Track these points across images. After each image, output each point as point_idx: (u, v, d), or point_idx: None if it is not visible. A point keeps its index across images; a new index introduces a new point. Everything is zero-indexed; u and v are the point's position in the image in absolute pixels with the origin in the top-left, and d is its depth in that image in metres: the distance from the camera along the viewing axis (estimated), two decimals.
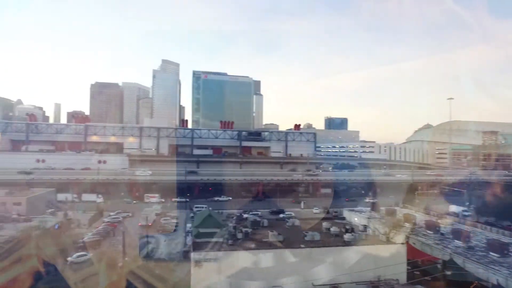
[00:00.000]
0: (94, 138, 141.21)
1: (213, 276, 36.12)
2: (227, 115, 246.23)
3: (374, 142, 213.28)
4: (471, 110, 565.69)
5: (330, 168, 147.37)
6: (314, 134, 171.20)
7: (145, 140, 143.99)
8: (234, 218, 61.21)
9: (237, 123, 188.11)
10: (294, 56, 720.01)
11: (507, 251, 43.34)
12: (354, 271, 37.78)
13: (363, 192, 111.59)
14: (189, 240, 49.05)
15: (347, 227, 50.59)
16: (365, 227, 49.36)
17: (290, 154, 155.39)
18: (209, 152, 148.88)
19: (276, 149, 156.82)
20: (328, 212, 77.45)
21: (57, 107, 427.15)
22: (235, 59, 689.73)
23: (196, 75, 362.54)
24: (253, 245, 40.79)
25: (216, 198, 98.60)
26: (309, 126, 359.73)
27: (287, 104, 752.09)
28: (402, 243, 42.30)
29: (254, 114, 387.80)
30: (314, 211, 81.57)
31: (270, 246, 41.22)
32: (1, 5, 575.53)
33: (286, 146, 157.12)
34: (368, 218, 57.47)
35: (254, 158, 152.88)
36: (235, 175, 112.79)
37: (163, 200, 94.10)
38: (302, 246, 41.22)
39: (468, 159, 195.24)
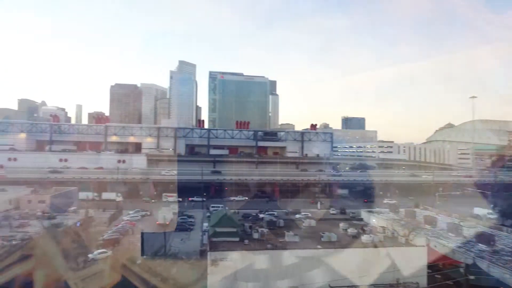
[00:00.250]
0: (114, 138, 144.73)
1: (229, 276, 36.26)
2: (243, 115, 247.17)
3: (392, 142, 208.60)
4: (495, 109, 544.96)
5: (347, 168, 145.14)
6: (331, 134, 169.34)
7: (162, 140, 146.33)
8: (250, 218, 61.31)
9: (253, 123, 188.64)
10: (310, 56, 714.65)
11: None
12: (372, 273, 37.08)
13: (381, 193, 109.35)
14: (206, 239, 49.43)
15: (365, 228, 49.75)
16: (384, 228, 48.35)
17: (306, 154, 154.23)
18: (225, 152, 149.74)
19: (292, 149, 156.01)
20: (345, 213, 76.42)
21: (79, 108, 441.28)
22: (251, 59, 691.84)
23: (213, 76, 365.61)
24: (269, 245, 40.71)
25: (232, 198, 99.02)
26: (325, 126, 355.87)
27: (303, 104, 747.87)
28: (423, 246, 41.20)
29: (270, 114, 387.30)
30: (331, 211, 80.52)
31: (286, 246, 41.01)
32: (24, 11, 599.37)
33: (302, 146, 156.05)
34: (387, 219, 56.29)
35: (270, 158, 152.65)
36: (251, 175, 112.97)
37: (180, 199, 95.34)
38: (319, 247, 40.83)
39: (493, 159, 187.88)
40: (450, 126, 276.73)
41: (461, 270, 34.71)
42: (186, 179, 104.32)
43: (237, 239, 42.27)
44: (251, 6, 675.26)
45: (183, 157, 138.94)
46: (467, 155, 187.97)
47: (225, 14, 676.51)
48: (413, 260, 38.51)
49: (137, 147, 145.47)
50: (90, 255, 46.83)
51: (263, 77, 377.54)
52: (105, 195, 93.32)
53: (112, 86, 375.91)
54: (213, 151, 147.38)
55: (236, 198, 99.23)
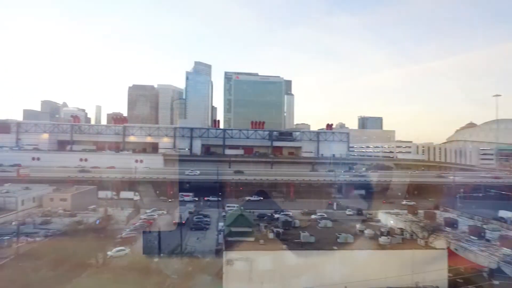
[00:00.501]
0: (132, 139, 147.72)
1: (244, 275, 36.32)
2: (258, 115, 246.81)
3: (411, 142, 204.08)
4: None
5: (364, 168, 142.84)
6: (347, 133, 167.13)
7: (179, 140, 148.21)
8: (265, 218, 61.22)
9: (268, 123, 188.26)
10: (326, 55, 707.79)
11: None
12: (390, 275, 36.27)
13: (399, 194, 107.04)
14: (221, 238, 49.70)
15: (383, 229, 48.73)
16: (402, 230, 47.25)
17: (322, 154, 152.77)
18: (240, 152, 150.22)
19: (307, 149, 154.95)
20: (362, 214, 75.25)
21: (98, 109, 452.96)
22: (267, 59, 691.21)
23: (228, 76, 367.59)
24: (284, 246, 40.49)
25: (247, 198, 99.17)
26: (341, 125, 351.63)
27: (319, 104, 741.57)
28: (443, 249, 39.99)
29: (285, 114, 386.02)
30: (347, 212, 79.45)
31: (301, 247, 40.69)
32: (47, 16, 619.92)
33: (318, 146, 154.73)
34: (405, 221, 55.01)
35: (285, 158, 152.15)
36: (266, 175, 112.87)
37: (196, 199, 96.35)
38: (335, 248, 40.28)
39: None
40: (471, 125, 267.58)
41: (485, 274, 33.47)
42: (202, 179, 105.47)
43: (252, 239, 42.22)
44: (266, 6, 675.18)
45: (199, 157, 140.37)
46: (490, 155, 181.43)
47: (240, 14, 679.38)
48: (433, 263, 37.47)
49: (154, 147, 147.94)
50: (109, 253, 47.94)
51: (278, 77, 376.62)
52: (123, 194, 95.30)
53: (130, 87, 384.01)
54: (228, 151, 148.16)
55: (252, 198, 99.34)
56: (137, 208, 79.76)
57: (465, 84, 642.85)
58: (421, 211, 64.73)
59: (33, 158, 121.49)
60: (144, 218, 70.51)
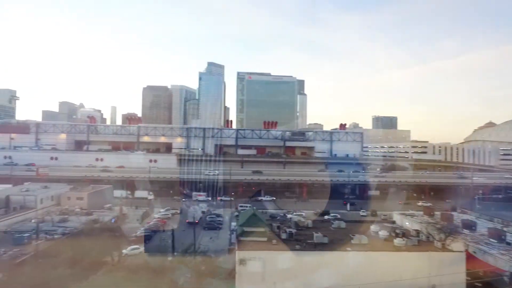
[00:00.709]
0: (146, 139, 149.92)
1: (257, 275, 36.28)
2: (271, 115, 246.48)
3: (427, 142, 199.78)
4: None
5: (378, 169, 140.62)
6: (361, 133, 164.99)
7: (192, 140, 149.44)
8: (278, 218, 61.04)
9: (280, 123, 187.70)
10: (339, 54, 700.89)
11: None
12: (405, 278, 35.57)
13: (415, 195, 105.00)
14: (234, 238, 49.82)
15: (398, 231, 47.84)
16: (418, 232, 46.25)
17: (335, 154, 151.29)
18: (253, 152, 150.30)
19: (320, 149, 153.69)
20: (376, 215, 74.14)
21: (113, 110, 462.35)
22: (279, 59, 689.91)
23: (240, 76, 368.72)
24: (297, 246, 40.26)
25: (260, 198, 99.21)
26: (355, 125, 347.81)
27: (332, 103, 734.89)
28: (461, 251, 38.93)
29: (298, 114, 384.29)
30: (361, 213, 78.39)
31: (314, 247, 40.35)
32: (65, 21, 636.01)
33: (331, 146, 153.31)
34: (421, 222, 53.81)
35: (297, 158, 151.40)
36: (278, 175, 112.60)
37: (209, 198, 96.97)
38: (349, 249, 39.77)
39: None
40: (491, 125, 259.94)
41: (505, 278, 32.39)
42: (216, 179, 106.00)
43: (265, 239, 42.15)
44: (279, 6, 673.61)
45: (211, 157, 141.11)
46: (510, 155, 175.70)
47: (253, 15, 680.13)
48: (450, 266, 36.51)
49: (168, 147, 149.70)
50: (124, 251, 48.74)
51: (291, 76, 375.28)
52: (138, 193, 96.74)
53: (144, 88, 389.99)
54: (241, 151, 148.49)
55: (264, 198, 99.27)
56: (151, 207, 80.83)
57: (483, 82, 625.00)
58: (437, 213, 63.21)
59: (51, 158, 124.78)
60: (158, 217, 71.40)
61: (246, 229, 43.71)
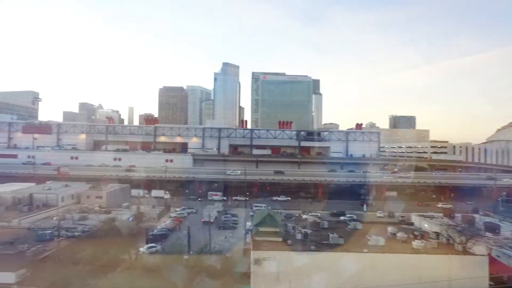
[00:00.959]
0: (162, 139, 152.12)
1: (272, 275, 36.19)
2: (286, 115, 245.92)
3: (447, 142, 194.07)
4: None
5: (395, 169, 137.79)
6: (378, 133, 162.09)
7: (207, 140, 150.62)
8: (293, 218, 60.72)
9: (295, 123, 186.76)
10: (356, 53, 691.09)
11: None
12: (424, 281, 34.74)
13: (434, 196, 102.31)
14: (249, 238, 49.87)
15: (416, 233, 46.75)
16: (438, 234, 45.03)
17: (351, 154, 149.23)
18: (267, 152, 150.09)
19: (336, 149, 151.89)
20: (393, 216, 72.69)
21: (131, 110, 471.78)
22: (294, 59, 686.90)
23: (255, 76, 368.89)
24: (312, 247, 39.94)
25: (274, 198, 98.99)
26: (372, 125, 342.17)
27: (348, 103, 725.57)
28: (483, 255, 37.63)
29: (313, 114, 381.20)
30: (378, 214, 76.99)
31: (330, 248, 39.93)
32: (85, 25, 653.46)
33: (347, 146, 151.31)
34: (441, 224, 52.32)
35: (313, 158, 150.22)
36: (293, 175, 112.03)
37: (225, 198, 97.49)
38: (365, 250, 39.15)
39: None
40: None
41: None
42: (233, 179, 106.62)
43: (280, 239, 42.03)
44: (294, 6, 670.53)
45: (226, 157, 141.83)
46: None
47: (268, 15, 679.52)
48: (472, 270, 35.39)
49: (183, 147, 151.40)
50: (141, 249, 49.60)
51: (306, 76, 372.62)
52: (154, 193, 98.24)
53: (160, 89, 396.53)
54: (255, 151, 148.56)
55: (279, 198, 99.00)
56: (168, 207, 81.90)
57: (506, 81, 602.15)
58: (458, 215, 61.34)
59: (72, 157, 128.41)
60: (174, 216, 72.29)
61: (261, 229, 43.71)
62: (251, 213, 69.20)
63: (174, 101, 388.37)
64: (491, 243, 45.68)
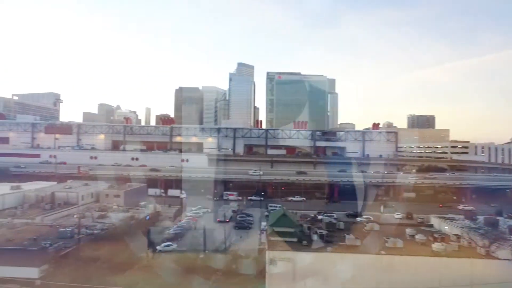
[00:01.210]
0: (178, 139, 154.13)
1: (287, 275, 36.01)
2: (301, 115, 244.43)
3: (468, 142, 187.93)
4: None
5: (414, 170, 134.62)
6: (395, 133, 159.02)
7: (222, 140, 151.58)
8: (309, 219, 60.22)
9: (311, 122, 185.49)
10: (372, 51, 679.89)
11: None
12: (444, 285, 33.79)
13: (454, 198, 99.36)
14: (264, 238, 49.81)
15: (436, 235, 45.52)
16: (459, 237, 43.69)
17: (367, 154, 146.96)
18: (282, 152, 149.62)
19: (352, 149, 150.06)
20: (412, 218, 70.96)
21: (148, 111, 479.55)
22: (310, 58, 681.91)
23: (270, 76, 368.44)
24: (328, 248, 39.52)
25: (290, 198, 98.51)
26: (389, 125, 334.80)
27: (364, 102, 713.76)
28: (508, 259, 36.23)
29: (328, 113, 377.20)
30: (396, 216, 75.29)
31: (347, 249, 39.39)
32: (103, 28, 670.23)
33: (363, 146, 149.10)
34: (462, 227, 50.74)
35: (328, 158, 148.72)
36: (309, 176, 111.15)
37: (240, 198, 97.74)
38: (383, 252, 38.41)
39: None
40: None
41: None
42: (246, 178, 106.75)
43: (295, 239, 41.76)
44: (310, 5, 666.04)
45: (241, 157, 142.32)
46: None
47: (282, 14, 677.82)
48: (495, 275, 34.13)
49: (199, 147, 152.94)
50: (158, 247, 50.37)
51: (321, 75, 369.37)
52: (171, 192, 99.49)
53: (176, 90, 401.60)
54: (270, 151, 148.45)
55: (294, 199, 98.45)
56: (183, 206, 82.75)
57: None
58: (480, 217, 59.32)
59: (91, 157, 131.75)
60: (190, 216, 72.99)
61: (276, 229, 43.58)
62: (266, 213, 69.10)
63: (190, 101, 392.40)
64: None
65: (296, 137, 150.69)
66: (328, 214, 68.43)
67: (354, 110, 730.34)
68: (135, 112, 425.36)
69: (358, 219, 65.61)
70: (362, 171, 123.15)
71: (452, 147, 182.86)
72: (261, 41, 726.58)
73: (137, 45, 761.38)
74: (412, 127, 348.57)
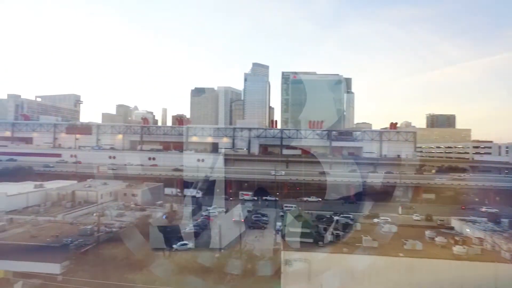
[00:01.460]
0: (194, 139, 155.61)
1: (303, 276, 35.73)
2: (317, 115, 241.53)
3: (491, 142, 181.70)
4: None
5: (433, 171, 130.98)
6: (414, 133, 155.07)
7: (237, 140, 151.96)
8: (324, 219, 59.60)
9: (326, 122, 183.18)
10: (390, 50, 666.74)
11: None
12: None
13: (477, 199, 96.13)
14: (279, 238, 49.59)
15: (457, 238, 44.15)
16: (481, 240, 42.21)
17: (385, 155, 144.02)
18: (297, 152, 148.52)
19: (369, 150, 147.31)
20: (431, 220, 69.15)
21: (164, 111, 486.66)
22: (326, 57, 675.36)
23: (285, 76, 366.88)
24: (345, 249, 38.96)
25: (305, 199, 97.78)
26: (407, 124, 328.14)
27: (381, 102, 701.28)
28: None
29: (344, 113, 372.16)
30: (414, 217, 73.51)
31: (363, 251, 38.72)
32: (121, 31, 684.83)
33: (381, 146, 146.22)
34: (485, 230, 49.00)
35: (345, 158, 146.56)
36: (325, 176, 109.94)
37: (255, 198, 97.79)
38: (401, 254, 37.55)
39: None
40: None
41: None
42: (261, 178, 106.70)
43: (310, 240, 41.39)
44: (323, 4, 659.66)
45: (257, 157, 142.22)
46: None
47: (298, 13, 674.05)
48: None
49: (214, 147, 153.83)
50: (174, 246, 51.00)
51: (337, 75, 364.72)
52: (187, 191, 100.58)
53: (192, 90, 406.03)
54: (285, 151, 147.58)
55: (309, 199, 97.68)
56: (199, 205, 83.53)
57: None
58: (504, 220, 57.15)
59: (110, 157, 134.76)
60: (205, 215, 73.52)
61: (291, 229, 43.33)
62: (281, 213, 68.80)
63: (205, 102, 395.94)
64: None
65: (312, 137, 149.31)
66: (345, 215, 67.58)
67: (371, 110, 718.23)
68: (152, 113, 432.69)
69: (375, 220, 64.44)
70: (379, 172, 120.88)
71: (474, 147, 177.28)
72: (276, 41, 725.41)
73: (154, 47, 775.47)
74: (431, 126, 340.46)
